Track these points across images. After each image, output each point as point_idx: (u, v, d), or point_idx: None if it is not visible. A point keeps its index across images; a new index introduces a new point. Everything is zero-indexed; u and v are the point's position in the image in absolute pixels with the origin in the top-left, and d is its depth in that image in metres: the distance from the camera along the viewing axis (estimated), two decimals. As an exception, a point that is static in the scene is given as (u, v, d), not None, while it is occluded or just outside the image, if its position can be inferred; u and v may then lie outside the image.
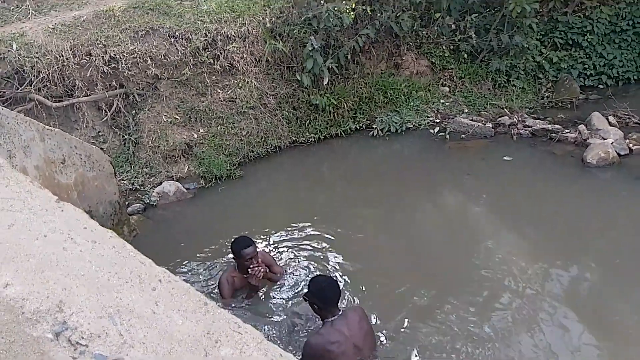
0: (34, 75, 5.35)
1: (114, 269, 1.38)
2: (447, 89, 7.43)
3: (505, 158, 5.98)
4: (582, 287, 3.93)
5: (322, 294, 3.02)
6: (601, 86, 7.64)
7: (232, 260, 3.84)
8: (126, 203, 5.05)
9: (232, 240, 3.81)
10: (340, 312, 3.04)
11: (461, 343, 3.36)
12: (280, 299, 3.85)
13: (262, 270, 3.66)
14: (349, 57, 6.64)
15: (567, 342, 3.37)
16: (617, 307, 3.69)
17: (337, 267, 4.18)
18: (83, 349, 1.18)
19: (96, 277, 1.34)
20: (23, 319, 1.21)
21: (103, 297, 1.29)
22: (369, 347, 3.05)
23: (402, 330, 3.49)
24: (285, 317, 3.62)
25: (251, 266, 3.60)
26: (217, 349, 1.28)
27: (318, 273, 4.02)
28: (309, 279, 3.98)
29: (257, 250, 3.76)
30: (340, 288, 3.21)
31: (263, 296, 3.85)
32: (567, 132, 6.22)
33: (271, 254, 4.19)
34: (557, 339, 3.39)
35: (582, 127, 6.13)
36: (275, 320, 3.62)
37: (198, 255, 4.41)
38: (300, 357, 2.93)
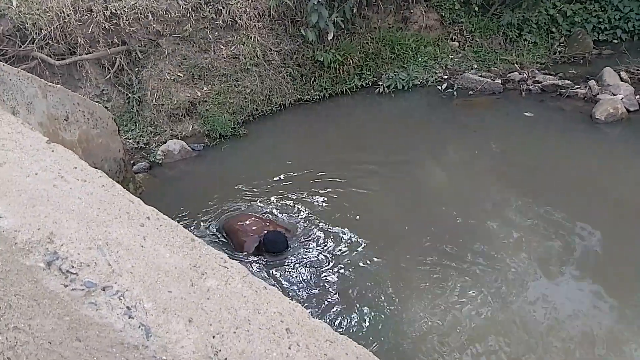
0: (36, 33, 5.31)
1: (103, 205, 1.42)
2: (457, 43, 7.23)
3: (526, 114, 5.86)
4: (587, 242, 3.93)
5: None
6: (615, 41, 7.37)
7: None
8: (132, 162, 5.10)
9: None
10: None
11: (455, 298, 3.43)
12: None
13: None
14: (355, 10, 6.46)
15: (567, 297, 3.41)
16: (620, 261, 3.70)
17: (340, 220, 4.24)
18: (73, 277, 1.23)
19: (85, 213, 1.38)
20: (16, 249, 1.26)
21: (92, 231, 1.33)
22: None
23: (397, 286, 3.57)
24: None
25: None
26: (202, 280, 1.32)
27: (322, 225, 4.13)
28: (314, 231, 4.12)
29: None
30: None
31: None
32: (577, 88, 6.07)
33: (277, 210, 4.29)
34: (557, 294, 3.43)
35: (592, 82, 5.97)
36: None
37: (203, 211, 4.49)
38: None
